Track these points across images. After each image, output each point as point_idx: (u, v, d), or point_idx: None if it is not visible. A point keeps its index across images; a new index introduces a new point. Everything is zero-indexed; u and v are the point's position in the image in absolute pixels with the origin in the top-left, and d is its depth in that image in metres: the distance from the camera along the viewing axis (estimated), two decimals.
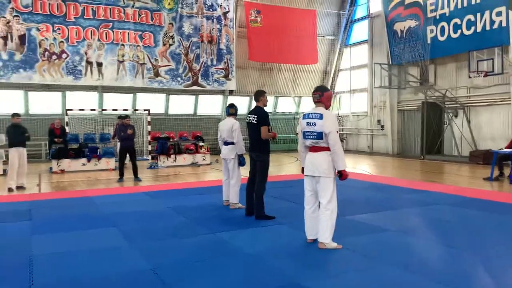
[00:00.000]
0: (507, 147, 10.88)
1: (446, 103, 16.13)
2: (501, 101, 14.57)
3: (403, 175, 11.93)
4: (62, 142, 13.41)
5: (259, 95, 6.41)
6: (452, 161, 15.07)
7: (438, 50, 16.09)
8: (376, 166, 14.88)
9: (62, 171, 12.87)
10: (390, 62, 18.18)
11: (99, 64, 16.50)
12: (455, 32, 15.34)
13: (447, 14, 15.58)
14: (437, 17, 15.98)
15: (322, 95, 4.89)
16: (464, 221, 6.15)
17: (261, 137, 6.16)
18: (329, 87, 21.91)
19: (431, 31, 16.26)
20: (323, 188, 4.81)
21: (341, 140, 21.19)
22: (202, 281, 3.89)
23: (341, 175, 4.79)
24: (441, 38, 15.90)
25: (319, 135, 4.76)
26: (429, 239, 5.16)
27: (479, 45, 14.22)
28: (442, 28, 15.80)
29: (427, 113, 16.24)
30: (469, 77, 14.58)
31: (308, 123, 4.87)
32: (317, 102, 4.94)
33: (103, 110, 16.82)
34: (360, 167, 14.21)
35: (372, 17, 20.16)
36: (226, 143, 7.09)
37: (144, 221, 6.32)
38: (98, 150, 14.00)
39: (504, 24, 13.71)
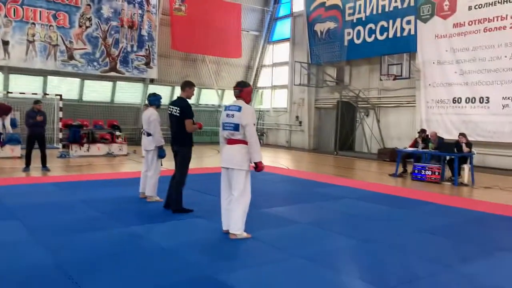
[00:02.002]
0: (410, 146, 11.83)
1: (358, 103, 17.13)
2: (407, 103, 15.80)
3: (318, 170, 12.49)
4: None
5: (186, 86, 6.18)
6: (362, 158, 16.08)
7: (354, 52, 17.01)
8: (293, 160, 15.40)
9: None
10: (310, 61, 18.86)
11: (5, 43, 15.14)
12: (369, 36, 16.32)
13: (363, 19, 16.52)
14: (354, 21, 16.88)
15: (242, 91, 5.03)
16: (369, 215, 6.59)
17: (187, 130, 6.01)
18: (251, 82, 22.21)
19: (348, 34, 17.13)
20: (235, 180, 4.92)
21: (262, 134, 21.88)
22: (113, 276, 3.77)
23: (257, 167, 4.93)
24: (357, 41, 16.82)
25: (236, 127, 4.87)
26: (336, 232, 5.46)
27: (390, 50, 15.29)
28: (358, 32, 16.72)
29: (341, 111, 17.12)
30: (380, 79, 15.63)
31: (227, 115, 4.98)
32: (237, 97, 5.06)
33: (8, 92, 15.46)
34: (278, 161, 14.61)
35: (294, 16, 20.73)
36: (148, 134, 6.90)
37: (51, 214, 5.95)
38: (1, 136, 12.86)
39: (412, 32, 14.88)
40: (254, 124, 4.90)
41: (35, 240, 4.71)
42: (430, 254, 4.69)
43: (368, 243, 5.02)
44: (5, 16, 15.03)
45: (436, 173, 10.32)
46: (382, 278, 3.92)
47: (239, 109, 4.88)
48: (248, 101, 5.08)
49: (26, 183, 8.53)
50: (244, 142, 4.90)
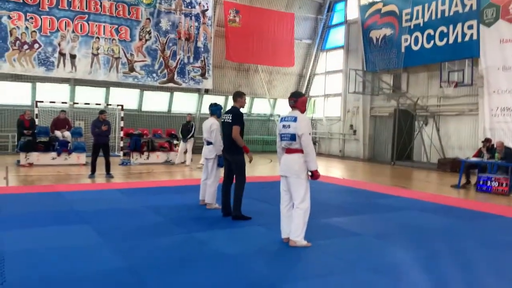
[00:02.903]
0: (474, 156, 11.28)
1: (417, 111, 16.57)
2: (469, 111, 15.11)
3: (375, 180, 12.19)
4: (31, 134, 13.04)
5: (238, 96, 6.41)
6: (421, 168, 15.51)
7: (411, 59, 16.52)
8: (348, 170, 15.13)
9: (30, 165, 12.50)
10: (365, 69, 18.54)
11: (73, 57, 16.12)
12: (428, 43, 15.79)
13: (421, 25, 16.02)
14: (412, 27, 16.40)
15: (297, 101, 5.11)
16: (434, 228, 6.33)
17: (232, 136, 6.12)
18: (304, 91, 22.16)
19: (405, 40, 16.68)
20: (295, 189, 4.98)
21: (314, 143, 21.69)
22: (180, 281, 3.87)
23: (313, 175, 4.98)
24: (414, 48, 16.34)
25: (293, 137, 4.94)
26: (401, 245, 5.29)
27: (450, 56, 14.71)
28: (416, 38, 16.24)
29: (398, 120, 16.64)
30: (440, 86, 15.04)
31: (284, 126, 5.08)
32: (292, 107, 5.15)
33: (74, 103, 16.42)
34: (332, 170, 14.41)
35: (349, 23, 20.49)
36: (208, 143, 7.07)
37: (119, 219, 6.22)
38: (69, 144, 13.65)
39: (475, 37, 14.21)
40: (310, 134, 4.95)
41: (106, 244, 4.94)
42: (504, 270, 4.43)
43: (435, 258, 4.82)
44: (73, 31, 16.02)
45: (504, 185, 9.75)
46: None
47: (295, 119, 4.96)
48: (303, 111, 5.15)
49: (93, 189, 8.98)
50: (301, 151, 4.97)
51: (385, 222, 6.58)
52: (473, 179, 10.86)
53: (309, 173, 5.02)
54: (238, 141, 6.13)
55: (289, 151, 5.06)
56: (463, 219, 7.01)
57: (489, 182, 10.01)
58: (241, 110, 6.41)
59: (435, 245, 5.31)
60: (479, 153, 11.17)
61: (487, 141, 11.26)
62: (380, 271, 4.28)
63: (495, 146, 10.75)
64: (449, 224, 6.64)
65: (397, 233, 5.93)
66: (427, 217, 7.09)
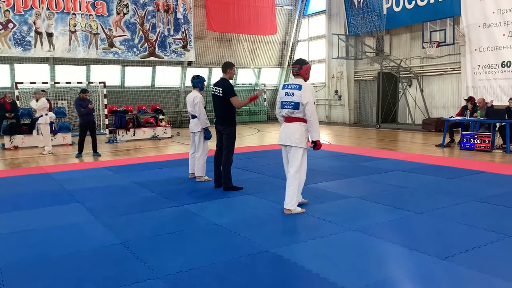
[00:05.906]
0: (457, 115, 11.45)
1: (400, 73, 16.64)
2: (451, 70, 15.22)
3: (361, 144, 12.35)
4: (13, 117, 12.83)
5: (227, 67, 6.26)
6: (406, 129, 15.72)
7: (394, 21, 16.46)
8: (335, 135, 15.26)
9: (16, 148, 12.36)
10: (347, 33, 18.43)
11: (50, 35, 15.71)
12: (409, 3, 15.72)
13: None
14: None
15: (301, 68, 5.02)
16: (420, 187, 6.49)
17: (236, 107, 6.15)
18: (288, 58, 22.02)
19: (387, 1, 16.57)
20: (293, 157, 5.00)
21: None
22: (174, 252, 3.95)
23: (315, 145, 4.98)
24: (396, 9, 16.25)
25: (296, 105, 4.89)
26: (388, 204, 5.44)
27: (432, 16, 14.68)
28: None
29: (382, 83, 16.71)
30: (423, 47, 15.08)
31: (287, 93, 4.98)
32: (296, 74, 5.06)
33: (55, 83, 16.13)
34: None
35: None
36: (193, 116, 7.05)
37: (110, 196, 6.26)
38: (53, 125, 13.46)
39: None
40: (314, 103, 4.91)
41: (98, 221, 4.99)
42: (487, 222, 4.60)
43: (421, 215, 4.97)
44: (48, 8, 15.54)
45: (486, 141, 9.98)
46: (438, 248, 3.90)
47: (300, 87, 4.87)
48: (307, 78, 5.07)
49: (81, 169, 8.95)
50: (303, 120, 4.94)
51: (372, 184, 6.73)
52: (457, 138, 11.08)
53: (311, 143, 5.01)
54: (243, 104, 6.24)
55: (290, 119, 5.00)
56: (448, 176, 7.18)
57: (472, 139, 10.21)
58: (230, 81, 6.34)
59: (422, 203, 5.46)
60: (462, 112, 11.33)
61: (470, 99, 11.40)
62: (369, 231, 4.41)
63: (477, 103, 10.92)
64: (435, 182, 6.80)
65: (385, 193, 6.07)
66: (413, 177, 7.25)
